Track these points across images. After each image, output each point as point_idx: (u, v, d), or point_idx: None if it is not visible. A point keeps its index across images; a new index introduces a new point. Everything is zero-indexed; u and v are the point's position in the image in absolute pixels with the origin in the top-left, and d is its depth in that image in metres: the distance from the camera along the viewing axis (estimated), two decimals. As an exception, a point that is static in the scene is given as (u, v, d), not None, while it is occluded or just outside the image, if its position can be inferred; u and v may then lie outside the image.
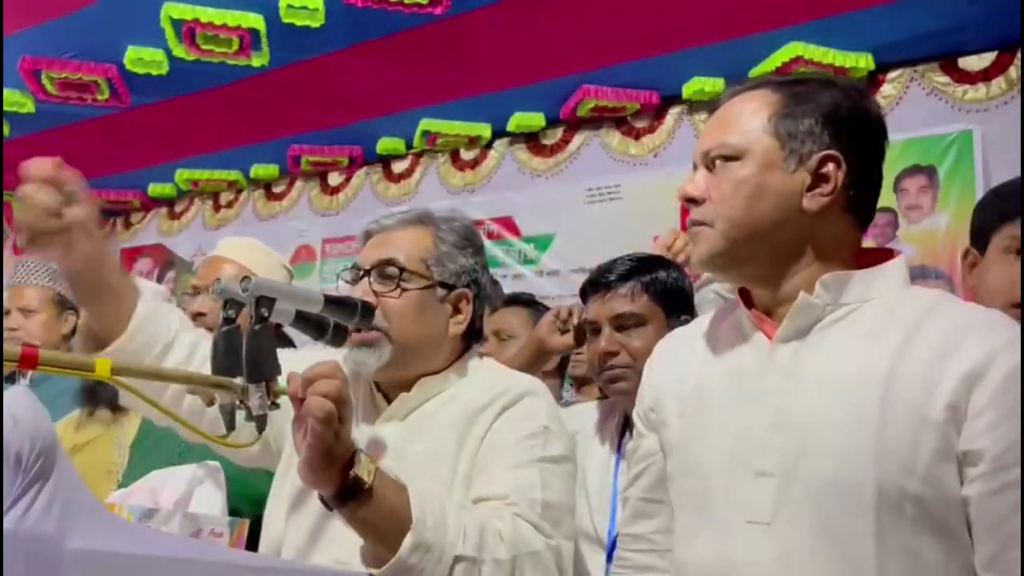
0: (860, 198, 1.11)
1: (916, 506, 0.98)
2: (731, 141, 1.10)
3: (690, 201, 1.13)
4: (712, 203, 1.10)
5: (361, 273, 1.38)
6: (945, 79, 3.12)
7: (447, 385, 1.39)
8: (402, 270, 1.36)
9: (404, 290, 1.36)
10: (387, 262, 1.37)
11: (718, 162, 1.11)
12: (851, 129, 1.10)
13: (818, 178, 1.08)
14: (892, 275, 1.10)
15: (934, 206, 3.07)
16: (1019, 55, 2.98)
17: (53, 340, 2.32)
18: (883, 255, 1.13)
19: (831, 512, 1.00)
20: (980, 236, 1.43)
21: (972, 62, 3.07)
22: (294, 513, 1.34)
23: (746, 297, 1.17)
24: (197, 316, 2.02)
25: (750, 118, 1.11)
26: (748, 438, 1.07)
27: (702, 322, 1.25)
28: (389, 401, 1.39)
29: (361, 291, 1.36)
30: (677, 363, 1.22)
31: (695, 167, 1.16)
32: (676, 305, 1.73)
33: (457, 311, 1.40)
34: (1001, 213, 1.39)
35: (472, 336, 1.45)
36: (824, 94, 1.11)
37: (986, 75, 3.05)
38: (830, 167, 1.08)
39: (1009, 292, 1.32)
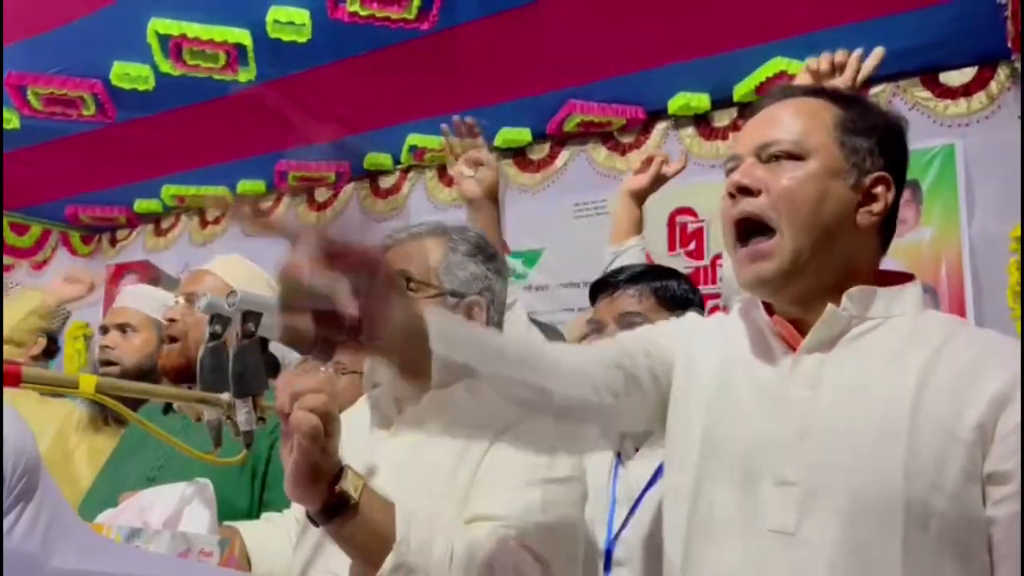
0: (888, 223, 1.14)
1: (940, 524, 0.97)
2: (795, 139, 1.09)
3: (742, 191, 1.10)
4: (770, 196, 1.08)
5: None
6: (927, 94, 3.14)
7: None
8: (409, 280, 1.36)
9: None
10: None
11: (773, 160, 1.09)
12: (897, 158, 1.13)
13: (868, 197, 1.10)
14: (912, 296, 1.12)
15: (918, 220, 3.08)
16: (1000, 70, 3.01)
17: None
18: (901, 277, 1.15)
19: (858, 527, 0.98)
20: None
21: (953, 77, 3.10)
22: (307, 527, 1.33)
23: (766, 303, 1.15)
24: (169, 322, 2.03)
25: (813, 122, 1.10)
26: (770, 445, 1.06)
27: (727, 317, 1.24)
28: None
29: None
30: (709, 347, 1.20)
31: (734, 161, 1.13)
32: (683, 314, 1.73)
33: (469, 319, 1.38)
34: None
35: None
36: (881, 119, 1.14)
37: (967, 90, 3.08)
38: (881, 189, 1.10)
39: None
